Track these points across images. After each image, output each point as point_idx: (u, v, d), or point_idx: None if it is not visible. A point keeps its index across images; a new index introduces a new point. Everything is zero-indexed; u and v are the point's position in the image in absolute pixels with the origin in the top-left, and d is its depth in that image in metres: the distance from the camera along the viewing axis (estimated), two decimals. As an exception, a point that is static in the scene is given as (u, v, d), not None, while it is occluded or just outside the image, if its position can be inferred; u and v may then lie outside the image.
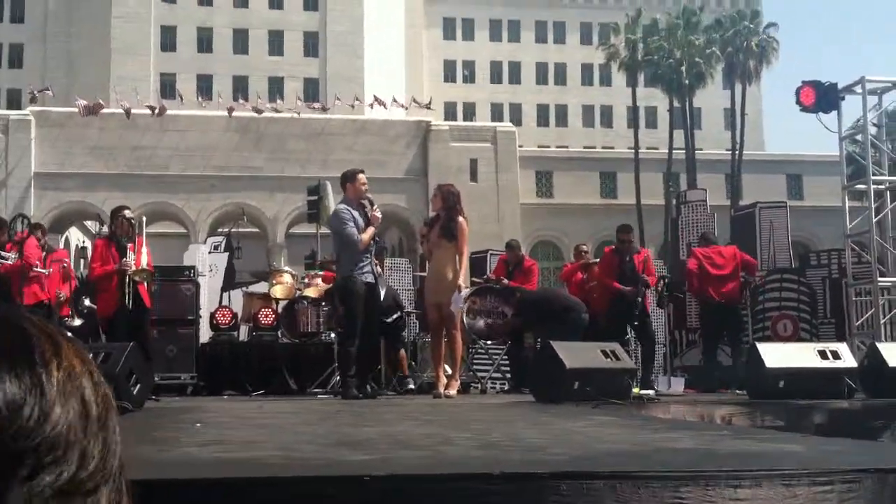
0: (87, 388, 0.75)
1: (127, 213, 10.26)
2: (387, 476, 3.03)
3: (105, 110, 47.73)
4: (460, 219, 9.72)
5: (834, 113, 13.98)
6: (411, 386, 11.42)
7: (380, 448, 4.13)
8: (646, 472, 3.25)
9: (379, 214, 9.81)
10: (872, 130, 14.23)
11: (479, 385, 12.05)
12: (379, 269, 10.17)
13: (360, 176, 9.94)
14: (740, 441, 4.64)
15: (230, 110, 48.23)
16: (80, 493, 0.71)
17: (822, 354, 9.07)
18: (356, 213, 9.65)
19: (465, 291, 11.82)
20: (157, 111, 46.93)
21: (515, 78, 74.63)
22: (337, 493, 2.91)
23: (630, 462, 3.68)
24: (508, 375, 12.37)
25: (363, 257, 9.59)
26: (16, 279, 10.59)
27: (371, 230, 9.62)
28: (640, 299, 11.81)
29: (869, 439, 5.68)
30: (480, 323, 11.68)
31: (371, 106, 51.11)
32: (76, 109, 45.89)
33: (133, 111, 47.33)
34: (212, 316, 13.20)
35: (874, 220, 13.64)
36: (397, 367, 11.68)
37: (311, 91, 62.84)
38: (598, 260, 13.38)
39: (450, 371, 10.12)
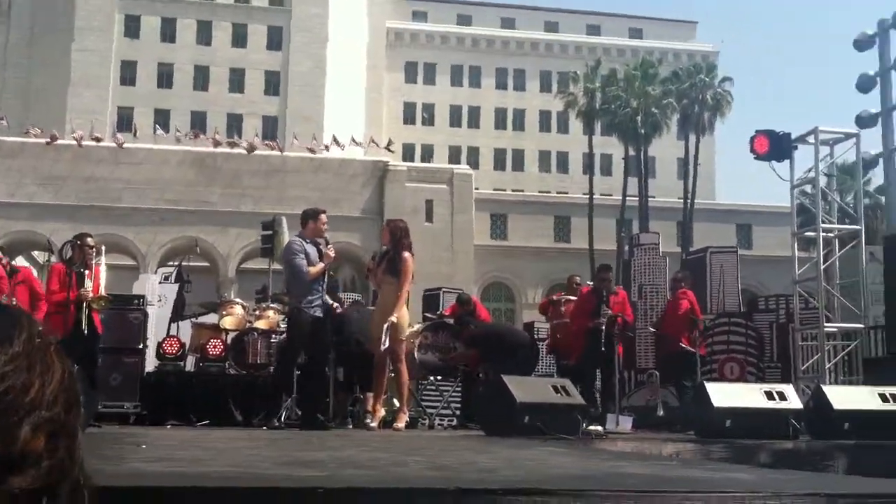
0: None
1: (89, 240, 10.32)
2: (343, 489, 2.99)
3: (59, 141, 47.32)
4: (405, 254, 9.79)
5: (786, 162, 14.27)
6: (372, 423, 11.33)
7: (329, 467, 4.09)
8: (599, 490, 3.25)
9: (332, 253, 9.91)
10: (823, 180, 14.52)
11: (426, 420, 11.98)
12: (339, 304, 10.26)
13: (323, 216, 10.13)
14: (690, 469, 4.67)
15: (196, 135, 48.24)
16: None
17: (769, 395, 9.18)
18: (309, 248, 9.75)
19: (418, 326, 11.81)
20: (118, 143, 46.78)
21: (474, 122, 75.21)
22: (288, 506, 2.88)
23: (582, 483, 3.68)
24: (458, 412, 12.31)
25: (313, 291, 9.64)
26: None
27: (321, 266, 9.69)
28: (605, 334, 11.87)
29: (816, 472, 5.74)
30: (432, 357, 11.64)
31: (327, 147, 51.23)
32: (30, 140, 45.48)
33: (86, 143, 46.96)
34: (159, 345, 12.99)
35: (822, 268, 13.88)
36: (363, 401, 11.56)
37: (270, 129, 62.79)
38: (572, 298, 13.37)
39: (396, 405, 10.12)
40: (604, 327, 11.72)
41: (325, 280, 9.91)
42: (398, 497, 3.02)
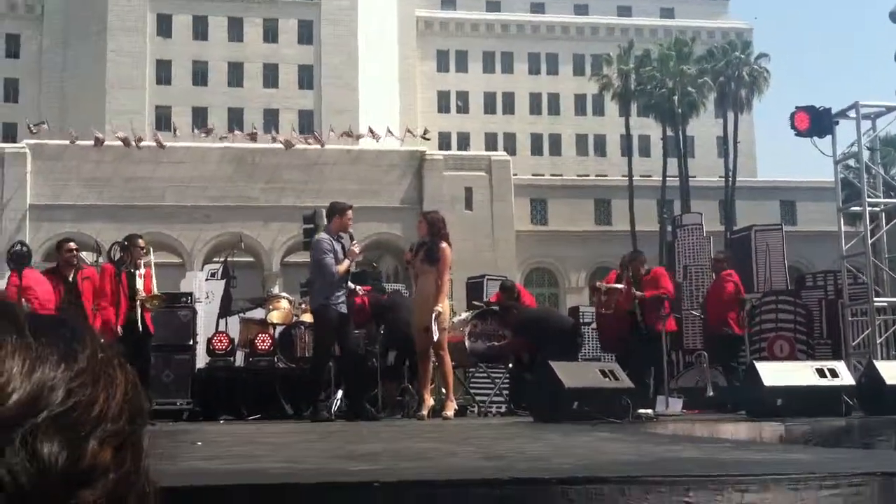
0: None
1: (139, 241, 10.48)
2: (397, 483, 3.02)
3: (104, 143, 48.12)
4: (443, 244, 9.85)
5: (828, 137, 14.09)
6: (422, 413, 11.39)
7: (383, 460, 4.12)
8: (654, 476, 3.25)
9: (357, 249, 9.99)
10: (866, 154, 14.33)
11: (475, 408, 12.01)
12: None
13: (349, 212, 10.24)
14: (744, 451, 4.64)
15: (222, 138, 48.85)
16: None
17: (821, 373, 9.09)
18: (336, 245, 9.87)
19: (466, 315, 11.83)
20: (158, 143, 47.42)
21: (509, 108, 74.95)
22: (347, 501, 2.91)
23: (636, 469, 3.67)
24: (508, 398, 12.32)
25: (338, 288, 9.76)
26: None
27: (347, 263, 9.85)
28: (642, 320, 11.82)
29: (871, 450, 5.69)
30: (481, 346, 11.65)
31: (362, 138, 51.43)
32: (69, 142, 46.27)
33: (131, 143, 47.65)
34: (208, 342, 13.14)
35: (870, 242, 13.70)
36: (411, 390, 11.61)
37: (306, 122, 63.08)
38: (620, 286, 13.25)
39: (444, 393, 10.17)
40: (635, 311, 11.69)
41: (349, 276, 10.01)
42: (453, 489, 3.04)
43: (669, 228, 18.79)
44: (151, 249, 11.31)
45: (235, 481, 3.06)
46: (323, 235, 10.28)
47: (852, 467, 3.53)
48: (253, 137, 50.52)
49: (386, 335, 11.47)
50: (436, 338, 9.65)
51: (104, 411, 0.70)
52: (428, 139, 54.81)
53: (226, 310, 15.32)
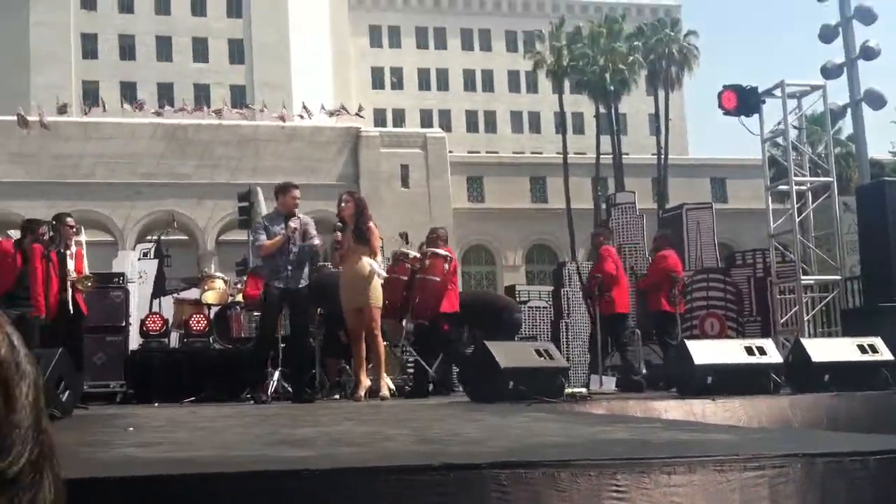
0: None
1: (69, 220, 10.23)
2: (327, 470, 3.03)
3: (29, 118, 46.82)
4: (371, 224, 9.91)
5: (756, 116, 14.34)
6: (358, 394, 11.39)
7: (318, 445, 4.13)
8: (582, 460, 3.31)
9: (294, 225, 9.84)
10: (793, 133, 14.62)
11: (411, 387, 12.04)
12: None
13: (294, 191, 10.11)
14: (672, 432, 4.74)
15: (158, 113, 47.91)
16: None
17: (749, 351, 9.29)
18: (275, 223, 9.85)
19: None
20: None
21: (443, 85, 74.86)
22: (276, 489, 2.91)
23: (567, 453, 3.73)
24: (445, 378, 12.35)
25: (276, 263, 9.67)
26: None
27: (278, 238, 9.72)
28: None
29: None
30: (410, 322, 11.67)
31: (301, 116, 50.94)
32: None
33: (53, 119, 46.50)
34: (142, 323, 12.99)
35: (797, 221, 14.01)
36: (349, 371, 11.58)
37: (239, 98, 62.25)
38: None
39: (376, 375, 10.19)
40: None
41: (296, 252, 9.86)
42: (385, 475, 3.06)
43: (603, 206, 19.01)
44: (82, 228, 11.11)
45: (166, 471, 3.05)
46: (261, 216, 10.28)
47: (775, 449, 3.63)
48: (183, 113, 49.68)
49: (322, 316, 11.41)
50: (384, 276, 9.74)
51: None
52: (363, 116, 54.54)
53: (159, 290, 15.14)
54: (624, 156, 54.15)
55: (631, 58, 53.98)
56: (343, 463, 3.34)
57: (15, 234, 14.31)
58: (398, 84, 74.24)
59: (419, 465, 3.19)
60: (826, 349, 9.62)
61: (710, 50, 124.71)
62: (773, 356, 9.33)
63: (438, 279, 10.91)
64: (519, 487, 3.09)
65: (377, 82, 73.98)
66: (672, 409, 7.85)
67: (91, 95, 60.00)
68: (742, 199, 52.23)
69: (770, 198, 14.79)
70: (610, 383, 12.11)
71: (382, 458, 3.56)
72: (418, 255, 11.44)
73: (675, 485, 3.25)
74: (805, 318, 13.68)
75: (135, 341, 13.14)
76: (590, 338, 12.85)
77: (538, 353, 8.73)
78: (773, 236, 14.52)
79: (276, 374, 10.62)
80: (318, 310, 11.31)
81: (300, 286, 9.80)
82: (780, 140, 15.76)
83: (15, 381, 0.69)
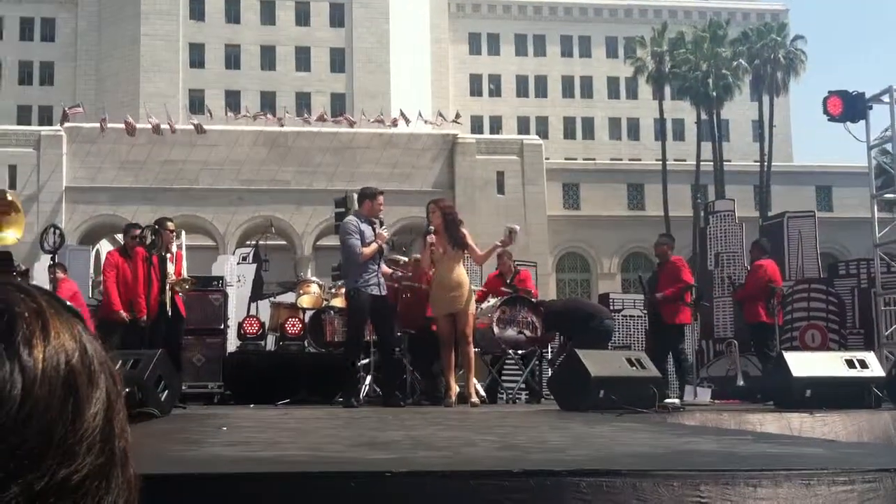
0: (76, 371, 0.69)
1: (169, 224, 10.53)
2: (408, 472, 3.05)
3: (137, 126, 48.46)
4: (464, 230, 9.99)
5: (862, 122, 13.91)
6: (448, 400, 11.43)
7: (402, 448, 4.17)
8: (665, 470, 3.26)
9: (386, 234, 10.01)
10: (901, 140, 14.12)
11: (503, 394, 12.02)
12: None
13: (380, 198, 10.23)
14: (762, 444, 4.64)
15: (256, 116, 49.27)
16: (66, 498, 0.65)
17: (850, 363, 9.02)
18: (364, 227, 9.89)
19: (494, 301, 11.81)
20: (197, 128, 47.89)
21: (542, 91, 74.64)
22: (359, 489, 2.95)
23: (650, 463, 3.69)
24: (537, 387, 12.31)
25: (368, 269, 9.76)
26: None
27: (374, 246, 9.80)
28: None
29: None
30: (510, 332, 11.62)
31: (395, 123, 51.42)
32: (100, 128, 46.90)
33: (162, 127, 48.04)
34: (239, 325, 13.27)
35: (903, 230, 13.55)
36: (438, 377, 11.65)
37: (338, 106, 63.18)
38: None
39: (465, 381, 10.19)
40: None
41: (381, 259, 10.00)
42: (464, 479, 3.07)
43: (702, 214, 18.67)
44: (183, 232, 11.41)
45: (250, 469, 3.12)
46: (350, 218, 10.30)
47: (867, 463, 3.53)
48: (281, 122, 50.80)
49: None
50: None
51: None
52: (460, 123, 54.70)
53: (257, 293, 15.45)
54: (725, 163, 53.12)
55: (735, 63, 52.94)
56: (423, 466, 3.37)
57: (119, 238, 14.81)
58: (496, 91, 74.32)
59: (498, 471, 3.20)
60: (932, 363, 9.28)
61: (818, 54, 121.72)
62: (876, 369, 9.04)
63: (424, 287, 10.92)
64: (599, 496, 3.07)
65: (475, 89, 74.20)
66: (767, 422, 7.67)
67: (197, 103, 61.74)
68: (848, 207, 50.67)
69: (876, 206, 14.32)
70: (705, 394, 11.89)
71: (463, 462, 3.58)
72: (408, 260, 11.66)
73: (761, 498, 3.18)
74: (911, 331, 13.21)
75: (232, 343, 13.43)
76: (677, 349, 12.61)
77: (630, 362, 8.63)
78: (878, 245, 14.06)
79: (368, 379, 10.73)
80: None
81: (385, 293, 9.93)
82: (888, 147, 15.26)
83: (85, 389, 0.68)
